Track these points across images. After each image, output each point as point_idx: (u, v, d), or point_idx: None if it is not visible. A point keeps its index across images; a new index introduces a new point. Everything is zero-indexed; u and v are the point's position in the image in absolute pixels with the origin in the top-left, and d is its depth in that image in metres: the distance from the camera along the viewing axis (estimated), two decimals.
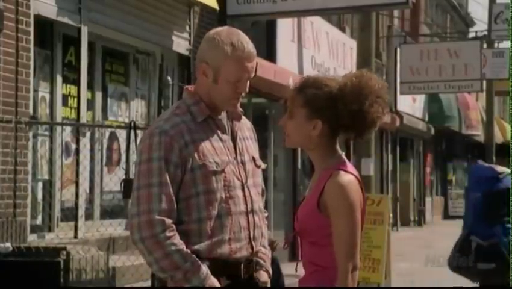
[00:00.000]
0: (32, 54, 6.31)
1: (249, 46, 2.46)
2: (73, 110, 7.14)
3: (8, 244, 5.14)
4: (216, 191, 2.40)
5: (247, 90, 2.48)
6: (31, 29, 6.29)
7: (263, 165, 2.59)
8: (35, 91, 6.60)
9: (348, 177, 2.28)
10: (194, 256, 2.35)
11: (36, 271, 4.89)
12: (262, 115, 11.68)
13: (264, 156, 11.23)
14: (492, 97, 26.74)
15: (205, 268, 2.34)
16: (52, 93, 6.89)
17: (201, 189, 2.39)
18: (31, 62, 6.30)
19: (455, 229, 21.50)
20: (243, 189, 2.46)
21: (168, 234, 2.32)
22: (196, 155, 2.38)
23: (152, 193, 2.33)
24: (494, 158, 27.13)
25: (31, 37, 6.28)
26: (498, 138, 28.00)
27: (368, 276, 7.35)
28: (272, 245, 2.58)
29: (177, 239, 2.33)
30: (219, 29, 2.51)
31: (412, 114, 19.63)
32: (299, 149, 13.35)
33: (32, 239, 6.29)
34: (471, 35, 24.78)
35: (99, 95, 7.57)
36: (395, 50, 17.99)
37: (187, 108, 2.46)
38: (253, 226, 2.46)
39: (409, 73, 17.03)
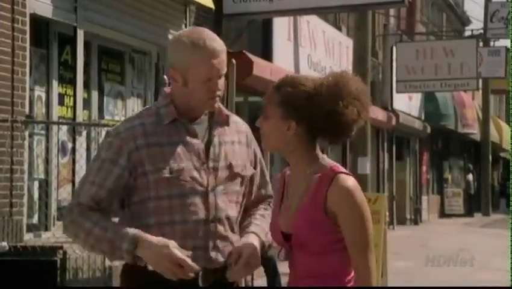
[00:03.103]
0: (28, 53, 6.30)
1: (213, 42, 2.36)
2: (69, 109, 7.14)
3: (5, 243, 5.14)
4: (167, 197, 2.32)
5: (222, 87, 2.40)
6: (27, 28, 6.28)
7: (248, 172, 2.45)
8: (31, 90, 6.59)
9: (351, 179, 2.20)
10: (117, 225, 2.31)
11: (33, 271, 4.89)
12: (258, 114, 11.68)
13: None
14: (488, 96, 26.82)
15: (131, 231, 2.26)
16: (48, 92, 6.88)
17: (153, 194, 2.33)
18: (27, 61, 6.29)
19: (451, 228, 21.62)
20: (205, 197, 2.35)
21: (85, 214, 2.30)
22: (147, 159, 2.32)
23: (84, 187, 2.35)
24: (490, 157, 27.22)
25: (27, 36, 6.27)
26: (494, 136, 28.07)
27: None
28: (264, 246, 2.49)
29: (95, 216, 2.29)
30: (183, 30, 2.46)
31: (408, 113, 19.65)
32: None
33: (28, 238, 6.29)
34: (467, 33, 24.83)
35: (95, 94, 7.57)
36: (391, 48, 18.01)
37: (157, 110, 2.41)
38: (215, 236, 2.35)
39: (405, 72, 17.06)
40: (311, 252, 2.19)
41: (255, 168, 2.51)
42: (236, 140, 2.46)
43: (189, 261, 2.24)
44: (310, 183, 2.20)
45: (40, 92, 6.81)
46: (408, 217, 20.93)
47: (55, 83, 6.94)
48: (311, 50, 12.83)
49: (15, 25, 6.11)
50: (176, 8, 8.77)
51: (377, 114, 15.98)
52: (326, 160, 2.26)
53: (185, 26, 9.01)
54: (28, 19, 6.28)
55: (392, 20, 19.77)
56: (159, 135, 2.35)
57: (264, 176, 2.56)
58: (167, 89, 2.49)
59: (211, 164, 2.38)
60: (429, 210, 23.34)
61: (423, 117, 21.52)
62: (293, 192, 2.26)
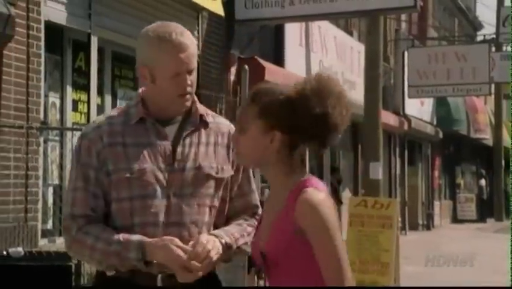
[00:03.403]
0: (42, 60, 6.36)
1: (180, 36, 2.25)
2: (83, 115, 7.20)
3: (20, 249, 5.18)
4: (128, 199, 2.24)
5: (193, 84, 2.28)
6: (42, 35, 6.34)
7: (225, 174, 2.33)
8: (46, 96, 6.66)
9: (319, 194, 2.02)
10: (119, 235, 2.22)
11: (47, 276, 4.92)
12: None
13: None
14: (500, 101, 26.71)
15: (135, 238, 2.20)
16: (62, 98, 6.94)
17: (114, 196, 2.26)
18: (42, 68, 6.36)
19: (463, 233, 21.46)
20: (167, 199, 2.24)
21: (83, 229, 2.23)
22: (110, 159, 2.25)
23: (71, 198, 2.28)
24: (503, 162, 27.07)
25: (42, 43, 6.34)
26: (507, 141, 27.95)
27: (377, 280, 7.36)
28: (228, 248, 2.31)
29: (95, 229, 2.23)
30: (150, 25, 2.32)
31: (420, 118, 19.62)
32: (306, 152, 13.32)
33: (43, 243, 6.34)
34: (480, 38, 24.75)
35: (108, 100, 7.62)
36: (403, 53, 17.99)
37: (127, 109, 2.33)
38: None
39: (417, 77, 17.03)
40: (284, 271, 2.04)
41: (237, 171, 2.38)
42: (213, 141, 2.33)
43: (195, 263, 2.17)
44: (283, 200, 2.05)
45: (54, 98, 6.87)
46: (420, 222, 20.87)
47: (69, 89, 7.00)
48: (323, 55, 12.85)
49: (31, 32, 6.17)
50: (188, 14, 8.82)
51: (389, 119, 15.96)
52: (303, 172, 2.09)
53: (198, 32, 9.07)
54: (42, 26, 6.35)
55: (404, 25, 19.75)
56: (125, 135, 2.27)
57: (249, 182, 2.43)
58: (141, 89, 2.38)
59: (177, 166, 2.26)
60: (441, 215, 23.26)
61: (435, 122, 21.47)
62: (268, 210, 2.12)
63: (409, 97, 17.56)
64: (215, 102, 9.14)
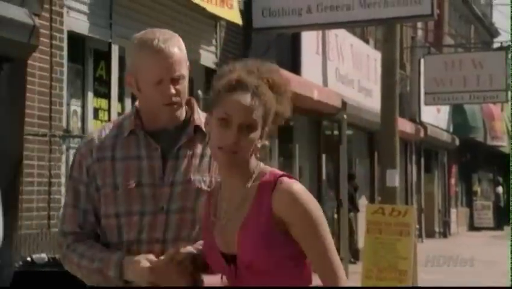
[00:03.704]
0: (65, 69, 6.48)
1: (163, 42, 2.17)
2: (104, 123, 7.30)
3: (44, 255, 5.27)
4: (115, 215, 2.17)
5: (180, 92, 2.16)
6: (64, 44, 6.46)
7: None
8: (68, 105, 6.77)
9: (296, 182, 1.89)
10: (102, 253, 2.15)
11: (71, 281, 5.01)
12: (287, 127, 11.79)
13: (288, 167, 11.32)
14: None
15: (116, 256, 2.12)
16: (83, 106, 7.06)
17: (103, 211, 2.19)
18: (64, 77, 6.47)
19: (480, 240, 21.32)
20: (154, 215, 2.15)
21: (71, 246, 2.20)
22: (99, 174, 2.18)
23: (62, 214, 2.27)
24: None
25: (64, 53, 6.46)
26: None
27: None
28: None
29: (81, 247, 2.18)
30: (139, 32, 2.27)
31: (436, 125, 19.60)
32: (324, 160, 13.46)
33: None
34: (496, 45, 24.67)
35: (128, 108, 7.72)
36: (419, 61, 18.00)
37: (122, 121, 2.25)
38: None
39: (434, 84, 17.03)
40: (261, 271, 1.89)
41: None
42: (209, 153, 2.16)
43: (161, 278, 2.07)
44: (248, 195, 1.91)
45: (75, 107, 6.99)
46: (437, 229, 20.82)
47: (90, 97, 7.11)
48: (339, 63, 12.91)
49: (54, 42, 6.29)
50: (206, 23, 8.92)
51: (405, 126, 15.97)
52: (263, 166, 1.96)
53: (216, 41, 9.17)
54: (65, 36, 6.47)
55: (420, 33, 19.76)
56: (115, 148, 2.20)
57: None
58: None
59: (166, 180, 2.16)
60: (458, 223, 23.18)
61: (451, 130, 21.42)
62: (227, 208, 1.95)
63: (426, 104, 17.56)
64: None
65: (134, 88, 2.21)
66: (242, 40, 9.74)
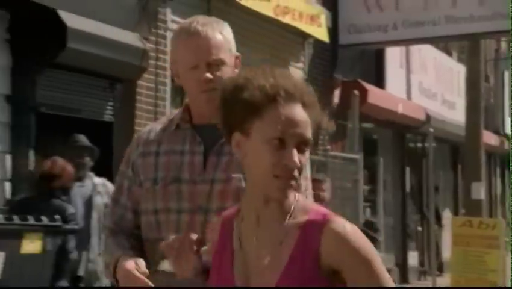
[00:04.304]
0: (168, 88, 6.96)
1: (199, 25, 2.04)
2: None
3: None
4: (153, 212, 2.07)
5: (217, 79, 2.02)
6: (167, 65, 6.94)
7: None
8: None
9: (349, 225, 1.60)
10: (115, 248, 2.06)
11: None
12: (371, 139, 11.99)
13: (373, 180, 11.52)
14: None
15: (116, 254, 2.03)
16: None
17: (143, 207, 2.10)
18: (167, 95, 6.94)
19: None
20: (192, 214, 2.02)
21: (106, 239, 2.16)
22: (142, 169, 2.10)
23: (108, 207, 2.26)
24: None
25: (167, 72, 6.94)
26: None
27: None
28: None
29: (109, 239, 2.12)
30: None
31: None
32: (407, 172, 13.55)
33: None
34: None
35: None
36: (502, 73, 17.84)
37: (174, 116, 2.17)
38: None
39: None
40: None
41: None
42: None
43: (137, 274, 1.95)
44: (287, 234, 1.59)
45: None
46: None
47: None
48: (422, 76, 13.02)
49: (158, 63, 6.77)
50: (295, 41, 9.27)
51: (490, 139, 15.87)
52: (302, 199, 1.66)
53: (304, 57, 9.52)
54: (168, 57, 6.95)
55: (503, 44, 19.56)
56: (161, 142, 2.10)
57: None
58: None
59: (207, 176, 2.03)
60: None
61: None
62: (258, 245, 1.61)
63: (511, 116, 17.35)
64: None
65: (175, 76, 2.12)
66: (329, 56, 10.04)
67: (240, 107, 1.56)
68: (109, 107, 6.31)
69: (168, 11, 6.94)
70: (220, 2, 7.59)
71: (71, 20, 5.41)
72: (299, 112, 1.57)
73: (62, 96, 5.75)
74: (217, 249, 1.67)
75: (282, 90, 1.57)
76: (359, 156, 9.13)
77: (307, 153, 1.58)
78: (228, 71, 2.06)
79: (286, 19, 8.36)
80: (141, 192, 2.10)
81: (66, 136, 5.46)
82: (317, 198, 3.79)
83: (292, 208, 1.60)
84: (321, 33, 9.19)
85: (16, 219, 4.08)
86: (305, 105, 1.58)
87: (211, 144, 2.06)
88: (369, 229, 9.55)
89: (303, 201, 1.64)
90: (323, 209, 1.62)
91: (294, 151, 1.55)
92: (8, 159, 5.34)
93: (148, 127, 2.19)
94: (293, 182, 1.56)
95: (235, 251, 1.63)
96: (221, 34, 2.06)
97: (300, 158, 1.55)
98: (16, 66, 5.35)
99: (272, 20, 8.36)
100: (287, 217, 1.60)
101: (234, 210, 1.69)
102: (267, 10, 8.03)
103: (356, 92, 7.66)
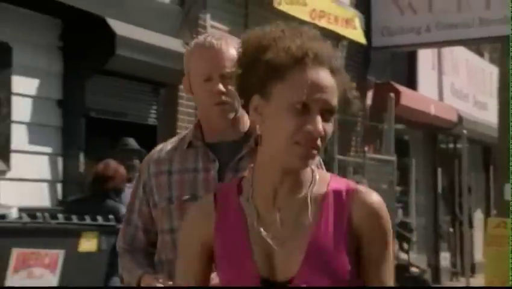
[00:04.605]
0: None
1: (214, 39, 2.07)
2: None
3: None
4: (169, 231, 2.07)
5: (230, 92, 1.99)
6: None
7: None
8: None
9: (377, 195, 1.54)
10: (135, 266, 2.10)
11: None
12: (403, 140, 12.08)
13: (405, 181, 11.61)
14: None
15: (140, 271, 2.06)
16: None
17: (159, 227, 2.11)
18: None
19: None
20: None
21: (120, 258, 2.20)
22: (155, 189, 2.11)
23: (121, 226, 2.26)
24: None
25: None
26: None
27: None
28: None
29: (126, 259, 2.15)
30: None
31: None
32: (439, 173, 13.61)
33: None
34: None
35: None
36: None
37: (185, 134, 2.16)
38: None
39: None
40: None
41: None
42: None
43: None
44: (307, 206, 1.47)
45: None
46: None
47: None
48: (454, 77, 13.08)
49: None
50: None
51: None
52: (319, 170, 1.57)
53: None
54: None
55: None
56: (173, 161, 2.10)
57: None
58: None
59: None
60: None
61: None
62: (279, 217, 1.47)
63: None
64: (352, 126, 9.66)
65: (187, 90, 2.13)
66: (362, 58, 10.17)
67: (262, 69, 1.43)
68: (153, 111, 6.52)
69: (208, 16, 7.13)
70: (257, 7, 7.77)
71: (120, 27, 5.62)
72: (326, 76, 1.43)
73: (109, 101, 5.96)
74: (223, 227, 1.50)
75: (311, 52, 1.44)
76: (394, 158, 9.25)
77: (331, 124, 1.45)
78: None
79: (322, 23, 8.51)
80: (151, 212, 2.11)
81: (113, 139, 5.68)
82: None
83: (312, 178, 1.49)
84: (357, 35, 9.31)
85: (75, 219, 4.30)
86: (332, 71, 1.45)
87: (226, 161, 2.05)
88: (404, 229, 9.66)
89: (320, 171, 1.55)
90: (341, 178, 1.54)
91: (319, 118, 1.42)
92: (60, 161, 5.58)
93: (159, 146, 2.18)
94: (314, 152, 1.43)
95: (250, 231, 1.48)
96: (235, 49, 1.99)
97: (325, 126, 1.43)
98: (67, 72, 5.59)
99: (308, 24, 8.51)
100: (309, 187, 1.48)
101: (231, 187, 1.54)
102: (303, 15, 8.18)
103: (392, 95, 7.78)
